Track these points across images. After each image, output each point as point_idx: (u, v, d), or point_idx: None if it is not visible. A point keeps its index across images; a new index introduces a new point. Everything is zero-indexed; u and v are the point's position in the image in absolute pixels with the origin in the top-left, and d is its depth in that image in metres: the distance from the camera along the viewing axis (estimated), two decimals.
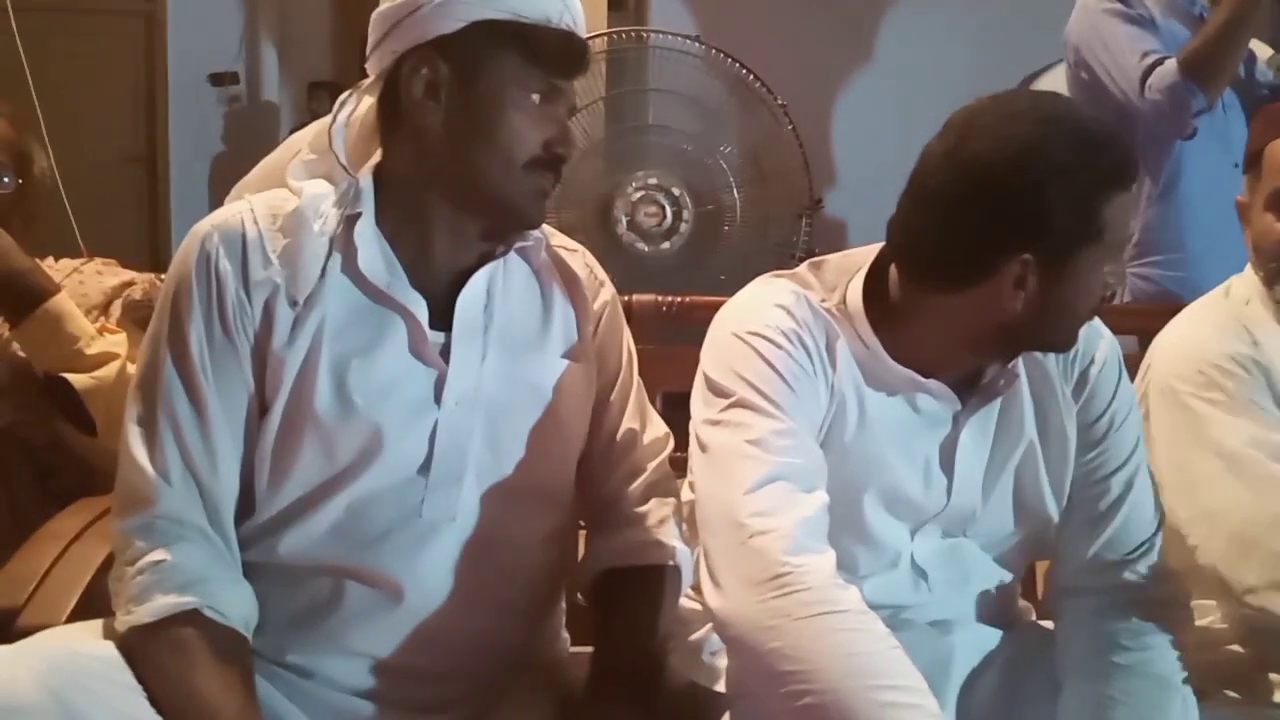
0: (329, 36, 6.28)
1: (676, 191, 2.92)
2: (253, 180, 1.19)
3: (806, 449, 1.06)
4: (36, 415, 1.34)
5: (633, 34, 3.24)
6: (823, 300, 1.14)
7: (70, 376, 1.27)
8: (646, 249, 2.86)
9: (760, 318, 1.11)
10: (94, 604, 1.15)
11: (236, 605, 1.03)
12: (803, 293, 1.14)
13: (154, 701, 0.97)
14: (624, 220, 2.86)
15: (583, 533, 1.25)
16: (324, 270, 1.07)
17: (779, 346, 1.08)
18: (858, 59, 6.04)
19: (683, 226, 2.91)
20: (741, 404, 1.06)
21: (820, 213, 4.01)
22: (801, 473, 1.03)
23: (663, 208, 2.92)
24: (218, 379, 1.05)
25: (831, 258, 1.19)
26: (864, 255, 1.17)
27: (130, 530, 1.03)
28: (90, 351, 1.29)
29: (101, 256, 1.54)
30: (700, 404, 1.11)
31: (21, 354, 1.32)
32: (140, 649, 0.99)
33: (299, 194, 1.09)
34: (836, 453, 1.10)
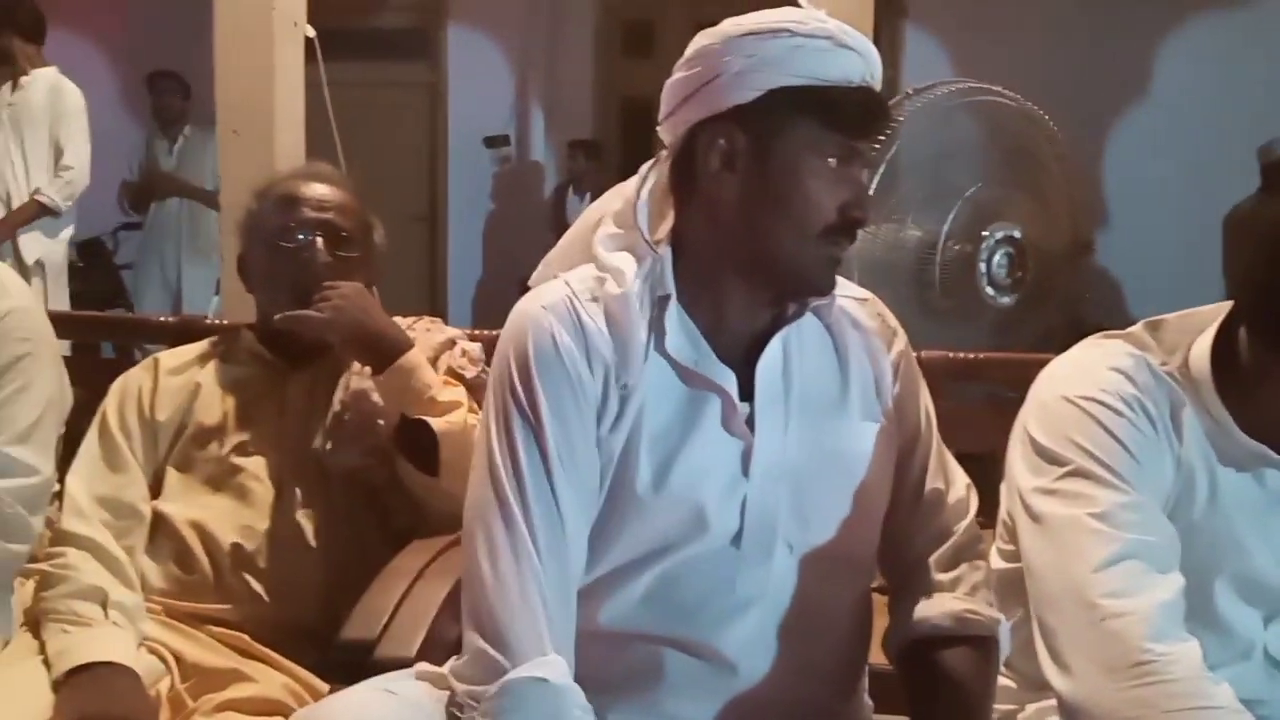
0: (590, 98, 6.59)
1: (1021, 239, 2.79)
2: (557, 256, 1.21)
3: (1157, 525, 1.00)
4: (379, 458, 1.47)
5: (903, 91, 3.22)
6: (1163, 364, 1.08)
7: (429, 419, 1.40)
8: (1005, 301, 2.72)
9: (1096, 382, 1.06)
10: (438, 640, 1.21)
11: None
12: (1141, 355, 1.08)
13: None
14: (985, 273, 2.73)
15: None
16: (645, 353, 1.07)
17: (1119, 414, 1.03)
18: (1130, 93, 5.67)
19: (1028, 277, 2.75)
20: (1080, 473, 1.01)
21: (1089, 259, 3.77)
22: (1155, 551, 0.97)
23: (1010, 258, 2.79)
24: (573, 463, 1.03)
25: (1170, 317, 1.12)
26: (1208, 315, 1.10)
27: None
28: (441, 399, 1.42)
29: (390, 310, 1.65)
30: (1027, 471, 1.07)
31: (371, 400, 1.45)
32: None
33: (616, 274, 1.07)
34: (1184, 531, 1.02)
